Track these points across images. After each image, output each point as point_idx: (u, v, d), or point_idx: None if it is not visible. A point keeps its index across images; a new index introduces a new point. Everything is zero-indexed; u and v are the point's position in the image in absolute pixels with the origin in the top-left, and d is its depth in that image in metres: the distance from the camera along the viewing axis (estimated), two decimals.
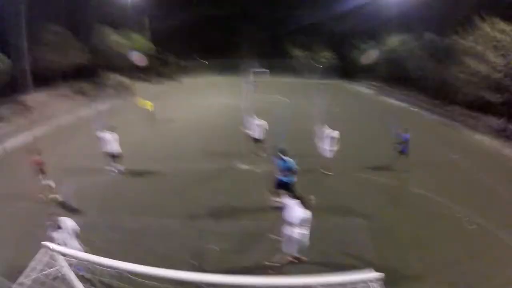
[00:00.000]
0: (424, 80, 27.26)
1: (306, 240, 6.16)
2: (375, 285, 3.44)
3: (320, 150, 11.39)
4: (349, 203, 9.36)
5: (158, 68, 41.57)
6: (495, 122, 18.81)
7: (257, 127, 13.05)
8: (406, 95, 28.40)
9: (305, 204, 6.09)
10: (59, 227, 5.83)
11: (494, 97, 18.87)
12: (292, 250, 6.35)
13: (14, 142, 15.68)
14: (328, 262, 6.75)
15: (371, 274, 3.43)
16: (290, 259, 6.57)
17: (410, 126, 15.40)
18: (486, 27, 18.93)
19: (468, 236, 7.91)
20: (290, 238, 6.16)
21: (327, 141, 11.10)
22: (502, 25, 18.33)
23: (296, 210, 6.07)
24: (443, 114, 22.40)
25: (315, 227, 6.31)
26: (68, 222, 5.99)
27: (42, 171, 9.64)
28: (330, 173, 11.37)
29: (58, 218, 5.91)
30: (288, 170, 8.55)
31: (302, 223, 6.01)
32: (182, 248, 7.26)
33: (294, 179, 8.63)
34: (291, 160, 8.60)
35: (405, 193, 10.38)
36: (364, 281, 3.42)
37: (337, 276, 3.47)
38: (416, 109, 24.97)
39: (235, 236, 7.73)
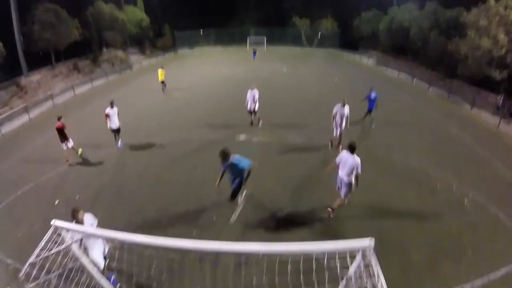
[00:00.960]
0: (426, 52, 26.79)
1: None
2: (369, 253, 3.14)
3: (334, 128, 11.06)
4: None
5: (153, 39, 40.42)
6: (494, 98, 18.81)
7: (250, 97, 12.96)
8: (407, 66, 28.02)
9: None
10: (78, 222, 5.62)
11: (495, 73, 18.76)
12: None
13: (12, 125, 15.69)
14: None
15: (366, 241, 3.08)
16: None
17: (407, 96, 15.43)
18: (491, 1, 18.38)
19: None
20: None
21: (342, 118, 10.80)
22: (508, 0, 17.77)
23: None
24: (442, 86, 22.21)
25: None
26: (88, 218, 5.84)
27: (64, 136, 10.27)
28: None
29: (80, 212, 5.68)
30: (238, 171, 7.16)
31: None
32: (183, 217, 7.70)
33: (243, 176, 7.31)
34: (240, 161, 7.04)
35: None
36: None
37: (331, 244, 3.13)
38: (415, 80, 24.72)
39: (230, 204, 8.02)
